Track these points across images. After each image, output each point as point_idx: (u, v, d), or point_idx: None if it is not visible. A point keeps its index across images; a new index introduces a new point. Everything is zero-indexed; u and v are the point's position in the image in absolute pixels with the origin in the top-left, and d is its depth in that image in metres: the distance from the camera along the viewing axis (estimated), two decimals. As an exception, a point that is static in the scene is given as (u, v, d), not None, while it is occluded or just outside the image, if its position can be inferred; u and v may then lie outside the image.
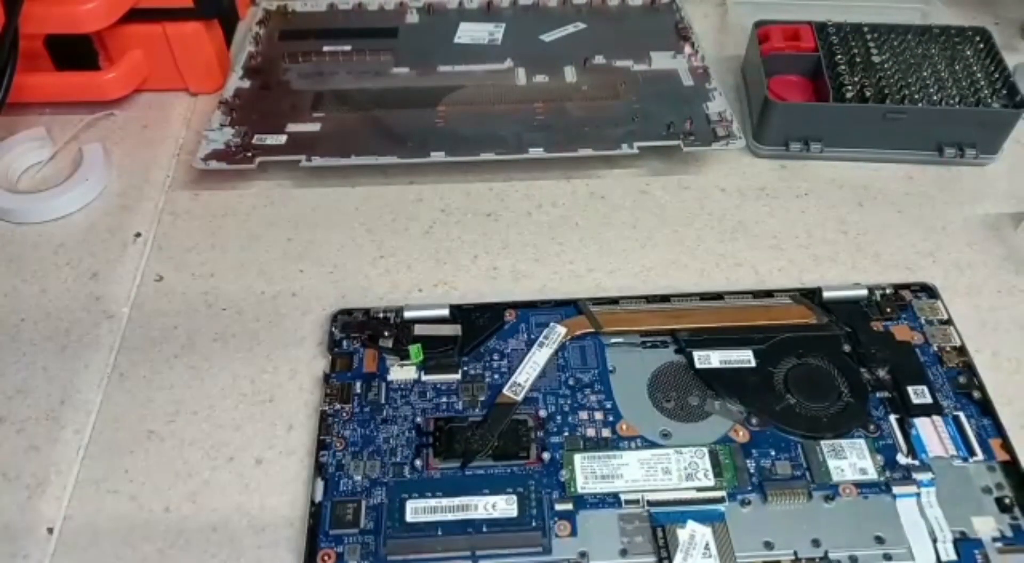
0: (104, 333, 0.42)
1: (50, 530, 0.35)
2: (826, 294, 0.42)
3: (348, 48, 0.57)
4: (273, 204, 0.49)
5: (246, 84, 0.54)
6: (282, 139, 0.50)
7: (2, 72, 0.47)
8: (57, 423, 0.38)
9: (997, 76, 0.51)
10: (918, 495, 0.35)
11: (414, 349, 0.39)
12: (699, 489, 0.35)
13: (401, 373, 0.39)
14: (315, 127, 0.51)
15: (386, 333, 0.40)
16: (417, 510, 0.34)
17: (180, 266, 0.45)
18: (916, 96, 0.50)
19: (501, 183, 0.50)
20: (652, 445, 0.36)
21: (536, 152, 0.48)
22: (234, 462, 0.37)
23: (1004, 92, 0.50)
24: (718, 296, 0.42)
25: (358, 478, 0.35)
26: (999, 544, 0.33)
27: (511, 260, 0.45)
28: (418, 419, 0.37)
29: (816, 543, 0.33)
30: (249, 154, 0.48)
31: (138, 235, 0.47)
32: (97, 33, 0.51)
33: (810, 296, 0.42)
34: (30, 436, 0.38)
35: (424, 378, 0.39)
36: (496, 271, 0.45)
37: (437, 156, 0.48)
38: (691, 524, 0.34)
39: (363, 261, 0.45)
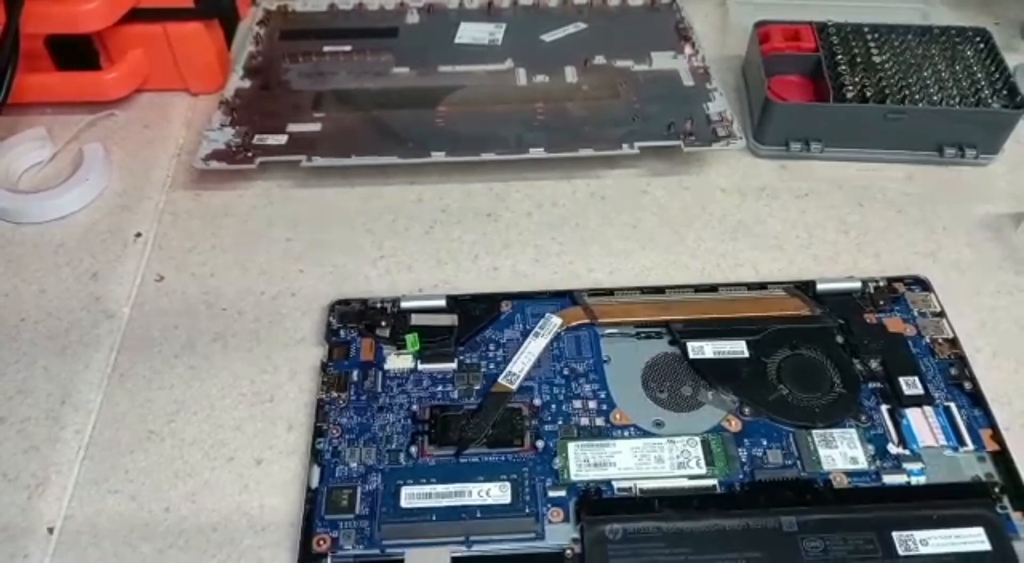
0: (104, 333, 0.42)
1: (50, 530, 0.35)
2: (820, 286, 0.42)
3: (348, 48, 0.57)
4: (273, 204, 0.49)
5: (246, 84, 0.54)
6: (282, 139, 0.50)
7: (3, 72, 0.47)
8: (57, 423, 0.38)
9: (997, 76, 0.51)
10: (908, 484, 0.35)
11: (411, 338, 0.39)
12: (691, 477, 0.35)
13: (397, 362, 0.39)
14: (315, 127, 0.51)
15: (383, 323, 0.40)
16: (412, 496, 0.34)
17: (180, 266, 0.45)
18: (916, 96, 0.50)
19: (501, 183, 0.50)
20: (645, 434, 0.36)
21: (536, 152, 0.48)
22: (234, 462, 0.37)
23: (1004, 92, 0.50)
24: (712, 288, 0.42)
25: (354, 465, 0.36)
26: None
27: (511, 260, 0.45)
28: (414, 407, 0.37)
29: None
30: (249, 154, 0.48)
31: (138, 235, 0.47)
32: (98, 33, 0.51)
33: (804, 288, 0.42)
34: (30, 436, 0.38)
35: (420, 367, 0.39)
36: (496, 271, 0.45)
37: (437, 156, 0.48)
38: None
39: (363, 261, 0.45)
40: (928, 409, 0.37)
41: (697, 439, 0.36)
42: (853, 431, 0.36)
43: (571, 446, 0.36)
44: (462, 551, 0.33)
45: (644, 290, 0.42)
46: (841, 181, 0.50)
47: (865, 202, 0.49)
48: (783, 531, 0.33)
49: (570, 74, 0.55)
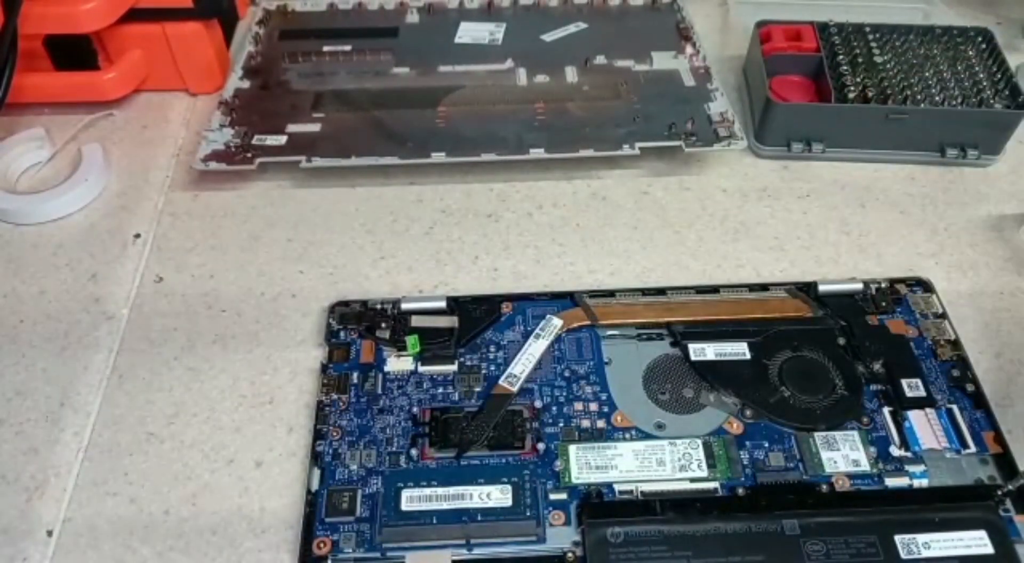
0: (103, 334, 0.42)
1: (49, 532, 0.35)
2: (821, 288, 0.42)
3: (348, 48, 0.57)
4: (273, 205, 0.48)
5: (246, 84, 0.54)
6: (282, 140, 0.49)
7: (1, 72, 0.47)
8: (56, 425, 0.38)
9: (999, 76, 0.51)
10: (910, 487, 0.35)
11: (411, 340, 0.39)
12: (692, 480, 0.35)
13: (398, 364, 0.39)
14: (315, 127, 0.50)
15: (383, 324, 0.40)
16: (412, 499, 0.34)
17: (180, 267, 0.45)
18: (918, 97, 0.49)
19: (502, 184, 0.50)
20: (647, 436, 0.36)
21: (537, 153, 0.48)
22: (234, 464, 0.37)
23: (1006, 93, 0.50)
24: (714, 289, 0.42)
25: (354, 467, 0.36)
26: None
27: (512, 261, 0.45)
28: (414, 409, 0.37)
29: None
30: (249, 155, 0.48)
31: (137, 236, 0.47)
32: (96, 33, 0.51)
33: (805, 289, 0.42)
34: (29, 438, 0.38)
35: (421, 369, 0.39)
36: (497, 272, 0.45)
37: (437, 157, 0.48)
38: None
39: (363, 262, 0.45)
40: (930, 411, 0.37)
41: (699, 441, 0.36)
42: (855, 433, 0.36)
43: (572, 449, 0.36)
44: (463, 554, 0.33)
45: (645, 291, 0.42)
46: (843, 182, 0.50)
47: (867, 203, 0.49)
48: (785, 534, 0.33)
49: (570, 74, 0.55)
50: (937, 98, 0.49)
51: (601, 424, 0.37)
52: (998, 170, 0.51)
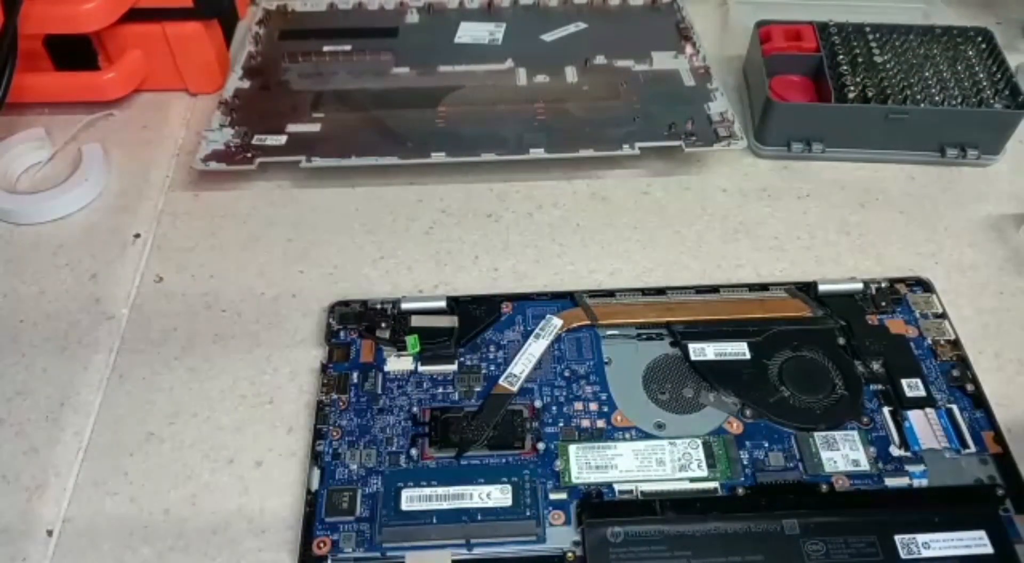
0: (103, 334, 0.42)
1: (49, 532, 0.35)
2: (821, 288, 0.42)
3: (348, 48, 0.57)
4: (273, 205, 0.48)
5: (246, 84, 0.54)
6: (282, 140, 0.50)
7: (1, 72, 0.47)
8: (56, 425, 0.38)
9: (999, 76, 0.51)
10: (910, 486, 0.35)
11: (411, 340, 0.39)
12: (692, 480, 0.35)
13: (398, 364, 0.39)
14: (315, 127, 0.50)
15: (383, 324, 0.40)
16: (412, 499, 0.34)
17: (180, 267, 0.45)
18: (918, 96, 0.49)
19: (502, 184, 0.50)
20: (646, 436, 0.36)
21: (537, 153, 0.48)
22: (234, 464, 0.37)
23: (1006, 92, 0.50)
24: (714, 289, 0.42)
25: (354, 467, 0.36)
26: None
27: (512, 261, 0.45)
28: (414, 409, 0.37)
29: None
30: (249, 155, 0.48)
31: (137, 236, 0.47)
32: (96, 33, 0.51)
33: (805, 289, 0.42)
34: (29, 438, 0.38)
35: (421, 369, 0.39)
36: (497, 272, 0.45)
37: (437, 157, 0.48)
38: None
39: (363, 262, 0.45)
40: (930, 411, 0.37)
41: (699, 441, 0.36)
42: (855, 433, 0.36)
43: (572, 448, 0.36)
44: (463, 554, 0.33)
45: (645, 291, 0.42)
46: (843, 182, 0.50)
47: (867, 203, 0.49)
48: (785, 534, 0.33)
49: (570, 74, 0.55)
50: (937, 98, 0.49)
51: (601, 424, 0.37)
52: (998, 170, 0.51)
